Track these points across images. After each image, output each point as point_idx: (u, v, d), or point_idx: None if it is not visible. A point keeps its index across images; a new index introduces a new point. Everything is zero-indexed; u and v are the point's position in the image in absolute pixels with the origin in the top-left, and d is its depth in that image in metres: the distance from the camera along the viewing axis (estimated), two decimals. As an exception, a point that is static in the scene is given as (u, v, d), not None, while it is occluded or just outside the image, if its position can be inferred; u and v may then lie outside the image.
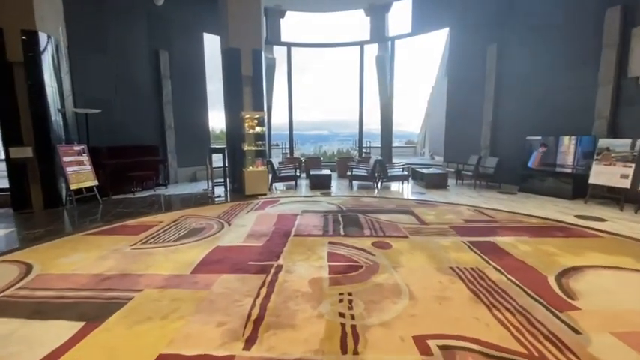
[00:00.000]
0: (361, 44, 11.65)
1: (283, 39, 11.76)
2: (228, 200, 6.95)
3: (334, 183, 9.09)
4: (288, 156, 12.38)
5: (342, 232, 4.42)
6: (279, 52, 12.07)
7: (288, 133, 12.82)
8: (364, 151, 12.71)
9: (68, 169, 6.13)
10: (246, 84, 7.44)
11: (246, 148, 7.22)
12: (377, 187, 8.11)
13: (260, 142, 7.38)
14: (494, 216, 5.30)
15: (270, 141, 13.58)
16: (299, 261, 3.39)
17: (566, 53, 7.09)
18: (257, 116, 7.28)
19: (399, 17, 11.44)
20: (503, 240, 4.05)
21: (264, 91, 12.29)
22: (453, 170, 8.86)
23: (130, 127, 8.18)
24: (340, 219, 5.11)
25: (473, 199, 6.81)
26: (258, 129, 7.29)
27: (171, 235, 4.40)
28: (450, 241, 4.03)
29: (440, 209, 5.78)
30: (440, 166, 10.57)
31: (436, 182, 8.05)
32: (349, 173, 8.20)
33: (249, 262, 3.36)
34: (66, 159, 6.14)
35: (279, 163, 11.02)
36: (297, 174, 8.44)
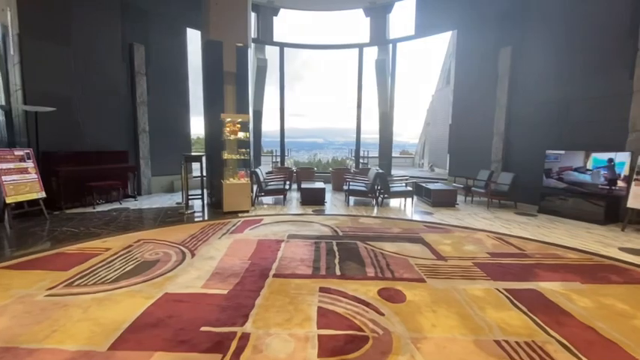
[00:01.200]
0: (360, 47, 10.79)
1: (276, 38, 10.84)
2: (203, 218, 5.87)
3: (328, 197, 8.07)
4: (279, 165, 11.35)
5: (337, 270, 3.38)
6: (273, 54, 11.14)
7: (276, 140, 11.86)
8: (361, 161, 11.76)
9: (4, 178, 5.01)
10: (229, 82, 6.44)
11: (226, 156, 6.18)
12: (377, 203, 7.11)
13: (243, 150, 6.35)
14: (523, 247, 4.32)
15: (260, 149, 12.59)
16: (276, 326, 2.34)
17: (593, 56, 6.25)
18: (240, 120, 6.27)
19: (402, 18, 10.65)
20: (549, 287, 3.06)
21: (251, 92, 11.36)
22: (461, 186, 7.92)
23: (94, 130, 7.09)
24: (335, 249, 4.07)
25: (489, 221, 5.84)
26: (241, 134, 6.27)
27: (113, 271, 3.32)
28: (482, 288, 3.02)
29: (455, 236, 4.78)
30: (444, 180, 9.63)
31: (444, 199, 7.08)
32: (346, 187, 7.19)
33: (202, 329, 2.30)
34: (2, 166, 5.03)
35: (268, 172, 9.99)
36: (287, 187, 7.40)
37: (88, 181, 6.52)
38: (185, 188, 6.58)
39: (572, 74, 6.60)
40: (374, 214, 6.26)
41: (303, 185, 7.38)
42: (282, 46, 10.73)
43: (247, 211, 6.26)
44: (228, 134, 6.17)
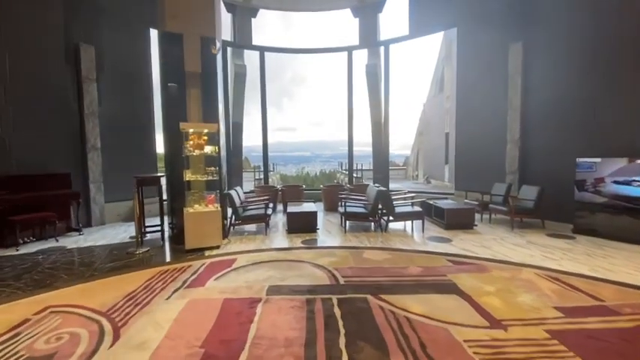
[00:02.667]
0: (349, 50, 9.73)
1: (255, 42, 9.68)
2: (157, 259, 4.45)
3: (320, 220, 6.75)
4: (262, 183, 9.99)
5: (345, 366, 2.04)
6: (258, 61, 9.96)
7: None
8: (354, 175, 10.54)
9: None
10: (192, 85, 5.14)
11: (188, 177, 4.81)
12: (380, 228, 5.82)
13: (212, 169, 5.01)
14: (597, 293, 3.09)
15: (242, 165, 11.22)
16: None
17: (626, 42, 5.27)
18: (206, 131, 4.94)
19: (394, 18, 9.71)
20: None
21: (231, 101, 10.13)
22: (476, 203, 6.74)
23: (24, 148, 5.63)
24: (337, 314, 2.73)
25: (524, 249, 4.63)
26: (208, 149, 4.94)
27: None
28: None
29: (496, 277, 3.53)
30: (451, 194, 8.47)
31: (460, 220, 5.87)
32: (341, 209, 5.89)
33: None
34: None
35: (249, 192, 8.62)
36: (270, 210, 6.03)
37: (9, 214, 5.01)
38: (139, 219, 5.14)
39: (602, 68, 5.60)
40: (379, 244, 4.96)
41: (290, 209, 6.04)
42: (262, 50, 9.56)
43: (218, 247, 4.86)
44: (191, 149, 4.82)
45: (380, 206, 5.88)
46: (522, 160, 6.91)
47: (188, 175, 4.83)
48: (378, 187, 6.21)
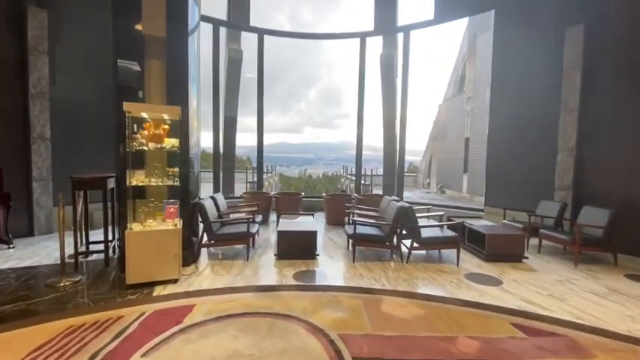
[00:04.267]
0: (362, 36, 8.36)
1: (253, 23, 8.36)
2: (92, 295, 3.07)
3: (321, 237, 5.38)
4: (255, 189, 8.62)
5: None
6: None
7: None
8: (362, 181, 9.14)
9: None
10: (154, 55, 3.78)
11: (135, 180, 3.44)
12: (400, 257, 4.40)
13: (172, 170, 3.63)
14: None
15: (233, 166, 9.86)
16: None
17: None
18: (166, 116, 3.58)
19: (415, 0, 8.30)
20: None
21: (222, 91, 8.74)
22: (519, 225, 5.32)
23: None
24: None
25: (613, 303, 3.23)
26: (169, 142, 3.57)
27: None
28: None
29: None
30: (480, 211, 7.04)
31: (505, 250, 4.46)
32: (349, 229, 4.48)
33: None
34: None
35: (239, 197, 7.25)
36: (255, 227, 4.62)
37: None
38: (76, 234, 3.78)
39: None
40: (402, 285, 3.56)
41: (283, 225, 4.64)
42: (261, 33, 8.22)
43: (176, 281, 3.48)
44: (142, 142, 3.45)
45: (400, 228, 4.47)
46: (578, 174, 5.50)
47: (136, 179, 3.45)
48: (397, 201, 4.82)
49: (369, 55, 8.41)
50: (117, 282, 3.45)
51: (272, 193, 7.41)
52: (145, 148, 3.43)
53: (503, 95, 6.65)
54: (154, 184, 3.53)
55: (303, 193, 7.22)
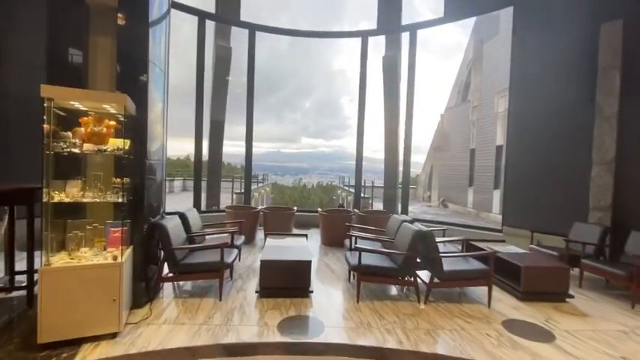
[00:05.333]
0: (364, 35, 7.61)
1: (244, 17, 7.57)
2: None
3: (314, 265, 4.46)
4: (242, 201, 7.68)
5: None
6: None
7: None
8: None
9: None
10: (100, 28, 2.89)
11: (62, 196, 2.49)
12: (417, 296, 3.47)
13: (118, 181, 2.70)
14: None
15: (220, 177, 8.95)
16: None
17: None
18: (110, 108, 2.68)
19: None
20: None
21: (208, 93, 7.84)
22: (554, 254, 4.47)
23: None
24: None
25: None
26: (114, 144, 2.66)
27: None
28: None
29: None
30: (497, 232, 6.18)
31: (545, 285, 3.58)
32: (353, 259, 3.54)
33: None
34: None
35: (221, 211, 6.29)
36: (232, 257, 3.64)
37: None
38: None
39: None
40: (426, 343, 2.64)
41: (268, 254, 3.69)
42: (252, 28, 7.41)
43: (115, 335, 2.51)
44: (73, 141, 2.52)
45: (418, 260, 3.56)
46: (619, 192, 4.69)
47: (66, 192, 2.51)
48: (410, 222, 3.94)
49: (370, 59, 7.65)
50: (31, 336, 2.47)
51: (260, 207, 6.46)
52: (77, 150, 2.50)
53: (525, 101, 5.87)
54: (90, 199, 2.59)
55: (295, 208, 6.29)
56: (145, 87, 3.03)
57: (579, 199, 5.03)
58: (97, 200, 2.58)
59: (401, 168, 7.95)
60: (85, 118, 2.63)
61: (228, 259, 3.39)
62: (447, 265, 3.44)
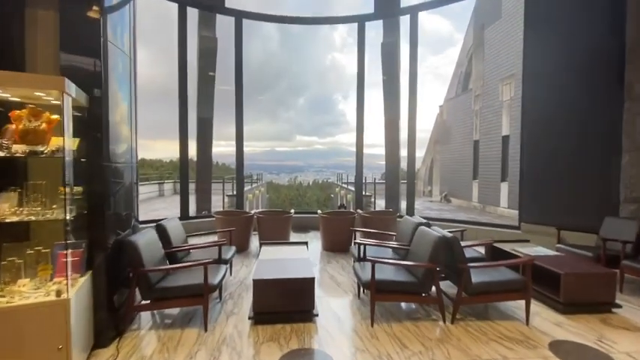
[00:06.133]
0: (360, 20, 7.02)
1: (229, 4, 6.94)
2: None
3: (317, 276, 3.92)
4: (234, 205, 7.10)
5: None
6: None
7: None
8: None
9: None
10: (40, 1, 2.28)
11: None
12: (442, 315, 2.92)
13: (66, 192, 2.10)
14: None
15: (210, 178, 8.35)
16: None
17: None
18: (50, 96, 2.07)
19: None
20: None
21: (193, 87, 7.23)
22: (588, 254, 3.96)
23: None
24: None
25: None
26: (53, 144, 2.06)
27: None
28: None
29: None
30: (515, 229, 5.67)
31: (589, 295, 3.06)
32: (364, 274, 2.98)
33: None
34: None
35: (207, 216, 5.69)
36: (219, 277, 3.05)
37: None
38: None
39: None
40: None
41: (262, 270, 3.13)
42: (239, 16, 6.79)
43: (64, 392, 1.92)
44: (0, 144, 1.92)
45: (441, 272, 3.01)
46: (654, 181, 4.19)
47: (-12, 210, 1.92)
48: (427, 225, 3.40)
49: (367, 48, 7.05)
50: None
51: (253, 211, 5.88)
52: (2, 153, 1.90)
53: (539, 86, 5.33)
54: (23, 217, 1.99)
55: (292, 211, 5.72)
56: (99, 72, 2.43)
57: (608, 190, 4.53)
58: (33, 218, 1.98)
59: (403, 163, 7.45)
60: (17, 112, 2.02)
61: (214, 280, 2.81)
62: (476, 276, 2.90)
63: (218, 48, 7.70)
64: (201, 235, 4.69)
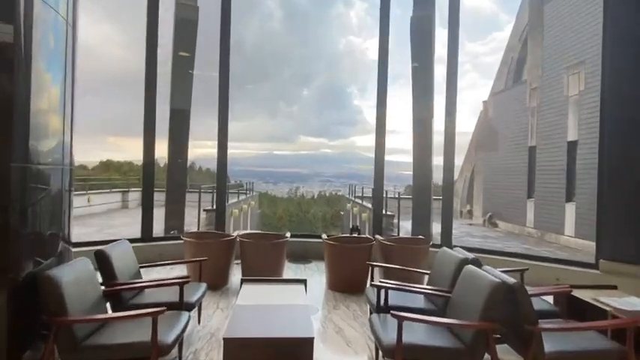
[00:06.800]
0: (384, -10, 6.80)
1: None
2: None
3: (318, 327, 3.55)
4: (214, 224, 6.80)
5: None
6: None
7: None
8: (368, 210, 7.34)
9: None
10: None
11: None
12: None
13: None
14: None
15: (185, 181, 8.11)
16: None
17: None
18: None
19: None
20: None
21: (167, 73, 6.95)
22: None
23: None
24: None
25: None
26: None
27: None
28: None
29: None
30: (587, 268, 5.21)
31: None
32: (385, 337, 2.57)
33: None
34: None
35: (174, 236, 5.36)
36: (173, 335, 2.63)
37: None
38: None
39: None
40: None
41: (239, 322, 2.74)
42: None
43: None
44: None
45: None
46: None
47: None
48: (477, 264, 3.00)
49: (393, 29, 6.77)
50: None
51: (236, 233, 5.53)
52: None
53: (630, 75, 4.93)
54: None
55: (288, 235, 5.36)
56: (10, 44, 2.17)
57: None
58: None
59: (435, 174, 7.12)
60: None
61: (168, 336, 2.43)
62: (550, 342, 2.48)
63: (206, 29, 7.53)
64: (164, 265, 4.37)
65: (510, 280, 2.56)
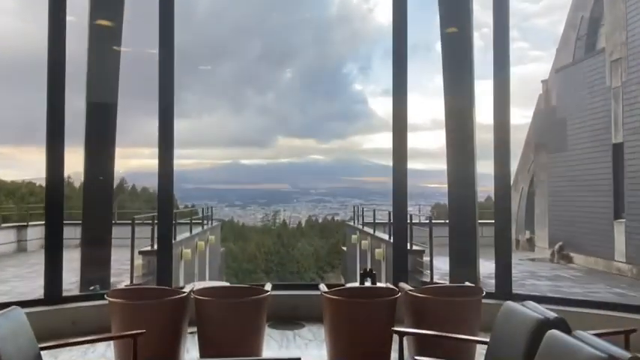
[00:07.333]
0: None
1: None
2: None
3: None
4: (155, 277, 6.70)
5: None
6: None
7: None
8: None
9: None
10: None
11: None
12: None
13: None
14: None
15: (110, 207, 8.00)
16: None
17: None
18: None
19: None
20: None
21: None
22: None
23: None
24: None
25: None
26: None
27: None
28: None
29: None
30: None
31: None
32: None
33: None
34: None
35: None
36: None
37: None
38: None
39: None
40: None
41: None
42: None
43: None
44: None
45: None
46: None
47: None
48: (564, 327, 2.89)
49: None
50: None
51: (189, 286, 5.42)
52: None
53: None
54: None
55: (269, 287, 5.26)
56: None
57: None
58: None
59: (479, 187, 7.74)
60: None
61: None
62: None
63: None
64: (79, 343, 4.20)
65: (624, 354, 2.42)
